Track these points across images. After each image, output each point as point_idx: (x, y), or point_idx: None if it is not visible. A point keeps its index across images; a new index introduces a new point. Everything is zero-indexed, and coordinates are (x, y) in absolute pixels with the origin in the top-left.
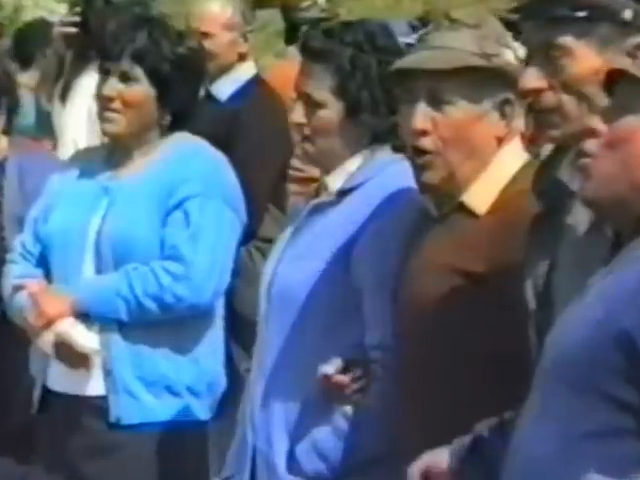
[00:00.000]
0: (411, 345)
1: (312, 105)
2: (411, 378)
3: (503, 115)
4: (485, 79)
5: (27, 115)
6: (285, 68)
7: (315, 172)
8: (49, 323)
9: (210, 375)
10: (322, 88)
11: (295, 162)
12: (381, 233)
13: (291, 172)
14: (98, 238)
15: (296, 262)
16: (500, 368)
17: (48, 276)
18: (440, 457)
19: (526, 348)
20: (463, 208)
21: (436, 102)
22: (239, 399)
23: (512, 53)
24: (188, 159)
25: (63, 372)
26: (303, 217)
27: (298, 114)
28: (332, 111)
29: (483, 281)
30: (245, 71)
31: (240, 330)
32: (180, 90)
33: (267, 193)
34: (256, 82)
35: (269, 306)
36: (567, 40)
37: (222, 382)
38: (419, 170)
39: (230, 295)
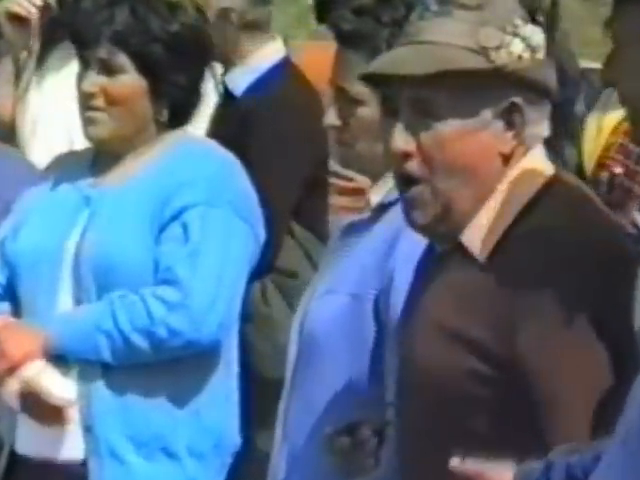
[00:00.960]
0: (409, 409)
1: (348, 102)
2: (409, 444)
3: (510, 125)
4: (482, 82)
5: None
6: (321, 52)
7: (366, 181)
8: (14, 368)
9: (216, 431)
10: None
11: (338, 168)
12: (410, 259)
13: (334, 181)
14: (76, 259)
15: (326, 297)
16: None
17: (17, 309)
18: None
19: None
20: (463, 250)
21: (419, 116)
22: (257, 461)
23: (522, 42)
24: (189, 160)
25: (33, 431)
26: (336, 239)
27: (332, 114)
28: (372, 108)
29: (485, 352)
30: (267, 56)
31: (254, 393)
32: (177, 77)
33: (288, 209)
34: (283, 68)
35: (299, 353)
36: None
37: (233, 440)
38: (407, 206)
39: (240, 347)
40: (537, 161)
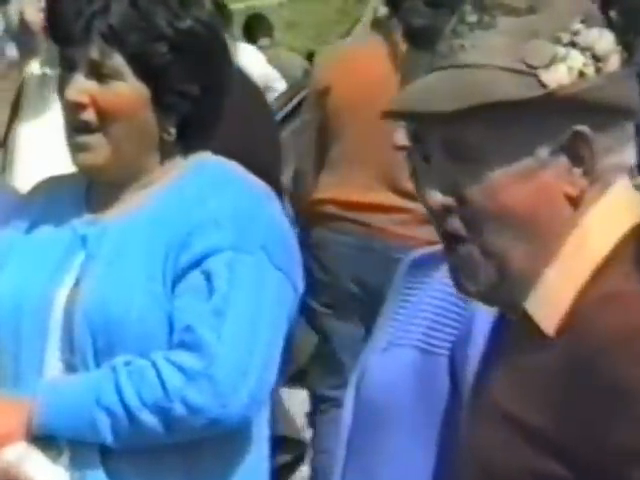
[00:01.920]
0: None
1: None
2: None
3: (576, 159)
4: (533, 111)
5: None
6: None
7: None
8: None
9: None
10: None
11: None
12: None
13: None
14: (68, 314)
15: (389, 350)
16: None
17: None
18: None
19: None
20: (529, 319)
21: (456, 160)
22: None
23: (582, 54)
24: (211, 191)
25: None
26: (401, 278)
27: (401, 134)
28: None
29: (562, 451)
30: None
31: None
32: (187, 86)
33: None
34: None
35: (355, 418)
36: None
37: None
38: (454, 271)
39: None
40: (619, 201)
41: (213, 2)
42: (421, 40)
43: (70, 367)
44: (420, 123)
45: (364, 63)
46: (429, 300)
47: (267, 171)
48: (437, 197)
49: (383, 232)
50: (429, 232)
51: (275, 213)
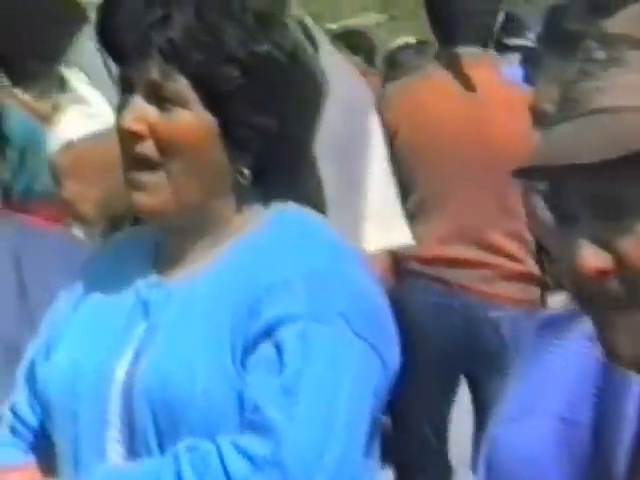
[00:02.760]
0: None
1: None
2: None
3: None
4: None
5: (32, 165)
6: None
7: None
8: None
9: None
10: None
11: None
12: None
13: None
14: (127, 393)
15: (524, 421)
16: None
17: (51, 460)
18: None
19: None
20: None
21: (608, 217)
22: None
23: None
24: (288, 249)
25: None
26: (529, 340)
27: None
28: None
29: None
30: None
31: None
32: (263, 119)
33: None
34: None
35: None
36: None
37: None
38: (608, 339)
39: None
40: None
41: (302, 27)
42: (568, 46)
43: (132, 451)
44: (562, 179)
45: (431, 99)
46: (565, 364)
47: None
48: (589, 260)
49: (463, 289)
50: (513, 289)
51: (359, 275)
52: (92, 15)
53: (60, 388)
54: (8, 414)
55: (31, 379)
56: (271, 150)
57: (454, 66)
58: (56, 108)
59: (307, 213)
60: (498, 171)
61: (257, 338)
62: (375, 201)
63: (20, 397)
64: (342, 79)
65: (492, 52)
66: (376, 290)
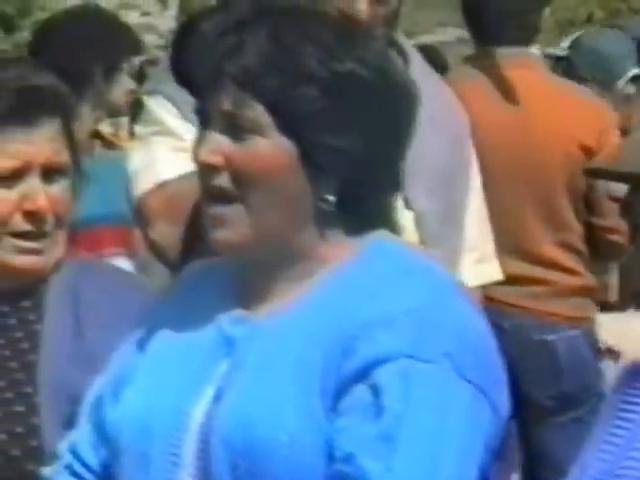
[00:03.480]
0: None
1: None
2: None
3: None
4: None
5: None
6: None
7: None
8: None
9: None
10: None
11: None
12: None
13: None
14: (204, 436)
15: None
16: None
17: None
18: None
19: None
20: None
21: None
22: None
23: None
24: (385, 283)
25: None
26: (617, 389)
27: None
28: None
29: None
30: None
31: None
32: (345, 139)
33: None
34: None
35: None
36: None
37: None
38: None
39: None
40: None
41: (387, 41)
42: None
43: None
44: None
45: (474, 105)
46: None
47: None
48: None
49: (513, 308)
50: (569, 306)
51: (465, 311)
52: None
53: (132, 429)
54: (67, 454)
55: (96, 419)
56: (356, 174)
57: (494, 68)
58: (136, 138)
59: (403, 242)
60: (543, 178)
61: (351, 379)
62: (472, 235)
63: (82, 437)
64: (441, 102)
65: (535, 52)
66: (483, 327)
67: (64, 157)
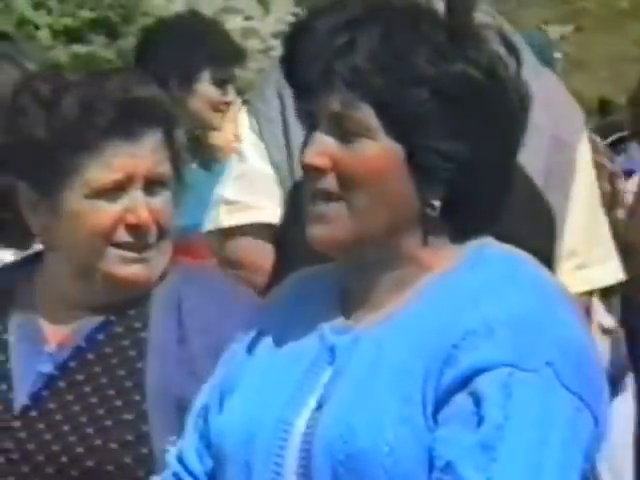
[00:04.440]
0: None
1: None
2: None
3: None
4: None
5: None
6: None
7: None
8: None
9: None
10: None
11: None
12: None
13: None
14: (306, 445)
15: None
16: None
17: None
18: None
19: None
20: None
21: None
22: None
23: None
24: (488, 290)
25: None
26: None
27: None
28: None
29: None
30: None
31: None
32: (454, 147)
33: None
34: None
35: None
36: None
37: None
38: None
39: None
40: None
41: (503, 37)
42: None
43: None
44: None
45: None
46: None
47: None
48: None
49: None
50: None
51: (569, 320)
52: None
53: (235, 438)
54: (174, 462)
55: (203, 427)
56: (464, 179)
57: None
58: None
59: (508, 250)
60: None
61: (452, 388)
62: (572, 241)
63: (188, 445)
64: (545, 102)
65: None
66: (586, 337)
67: (166, 168)
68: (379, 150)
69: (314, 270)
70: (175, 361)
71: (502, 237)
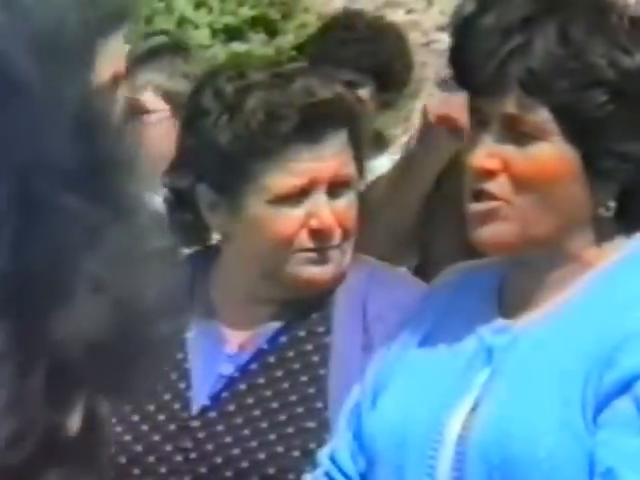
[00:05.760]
0: None
1: None
2: None
3: None
4: None
5: None
6: None
7: None
8: None
9: None
10: None
11: None
12: None
13: None
14: (461, 447)
15: None
16: None
17: None
18: None
19: None
20: None
21: None
22: None
23: None
24: None
25: None
26: None
27: None
28: None
29: None
30: None
31: None
32: (632, 144)
33: None
34: None
35: None
36: None
37: None
38: None
39: None
40: None
41: None
42: None
43: None
44: None
45: None
46: None
47: None
48: None
49: None
50: None
51: None
52: None
53: (388, 440)
54: (327, 461)
55: (357, 427)
56: (635, 179)
57: None
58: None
59: None
60: None
61: (613, 391)
62: None
63: (341, 445)
64: None
65: None
66: None
67: (350, 169)
68: (555, 154)
69: (472, 265)
70: (359, 369)
71: None
